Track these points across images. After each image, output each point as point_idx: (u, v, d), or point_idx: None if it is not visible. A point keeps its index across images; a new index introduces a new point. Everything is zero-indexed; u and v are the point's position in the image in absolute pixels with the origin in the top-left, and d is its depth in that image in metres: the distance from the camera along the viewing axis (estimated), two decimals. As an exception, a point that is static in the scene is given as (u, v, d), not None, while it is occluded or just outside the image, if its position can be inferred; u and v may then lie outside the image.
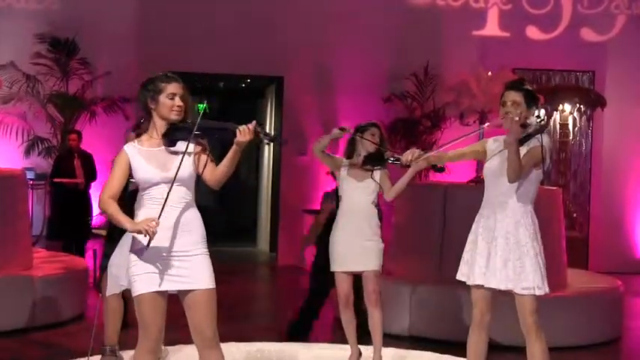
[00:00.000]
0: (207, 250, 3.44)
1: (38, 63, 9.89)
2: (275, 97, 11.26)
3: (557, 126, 10.83)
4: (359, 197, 4.84)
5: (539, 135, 3.80)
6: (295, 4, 10.50)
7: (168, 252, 3.34)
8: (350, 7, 10.52)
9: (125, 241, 4.67)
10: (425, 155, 4.01)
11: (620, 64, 10.78)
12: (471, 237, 4.03)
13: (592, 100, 10.34)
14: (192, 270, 3.36)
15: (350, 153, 4.92)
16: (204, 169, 3.41)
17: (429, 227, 6.44)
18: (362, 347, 5.11)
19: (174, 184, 3.32)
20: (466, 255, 4.03)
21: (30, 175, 9.47)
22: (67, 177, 8.88)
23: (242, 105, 12.80)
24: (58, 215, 9.21)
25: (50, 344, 5.66)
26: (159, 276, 3.33)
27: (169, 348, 5.06)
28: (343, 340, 5.75)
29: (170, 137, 3.38)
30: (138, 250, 3.36)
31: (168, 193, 3.29)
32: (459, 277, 4.06)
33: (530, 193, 3.93)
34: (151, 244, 3.27)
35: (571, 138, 10.83)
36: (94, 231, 5.56)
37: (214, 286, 3.40)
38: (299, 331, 5.96)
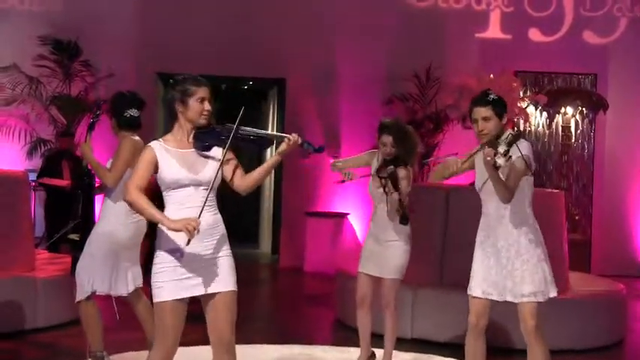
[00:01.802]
0: (230, 252, 3.47)
1: (41, 65, 9.90)
2: (277, 99, 11.27)
3: (560, 129, 10.84)
4: (381, 203, 4.80)
5: (516, 145, 3.69)
6: (297, 7, 10.50)
7: (195, 256, 3.34)
8: (352, 9, 10.53)
9: (87, 248, 4.62)
10: (462, 161, 3.96)
11: (622, 66, 10.77)
12: (475, 250, 4.00)
13: (594, 103, 10.33)
14: (217, 272, 3.38)
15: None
16: (233, 174, 3.44)
17: (431, 230, 6.44)
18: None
19: (202, 188, 3.34)
20: (475, 268, 3.99)
21: (32, 176, 9.46)
22: (55, 178, 8.90)
23: (244, 107, 12.76)
24: (47, 216, 9.23)
25: (52, 345, 5.67)
26: (184, 282, 3.34)
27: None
28: (343, 342, 5.76)
29: (202, 141, 3.38)
30: (166, 254, 3.35)
31: (207, 197, 3.32)
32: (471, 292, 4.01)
33: (526, 199, 3.91)
34: (176, 250, 3.30)
35: (573, 141, 10.82)
36: (68, 236, 5.52)
37: (236, 289, 3.43)
38: None
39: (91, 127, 4.69)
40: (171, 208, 3.37)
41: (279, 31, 10.41)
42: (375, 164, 4.87)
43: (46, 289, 6.08)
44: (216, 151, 3.40)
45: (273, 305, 8.27)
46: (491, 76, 9.72)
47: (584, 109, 10.67)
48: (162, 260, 3.36)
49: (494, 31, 10.83)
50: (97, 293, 4.62)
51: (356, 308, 4.97)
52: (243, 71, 10.66)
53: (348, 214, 10.27)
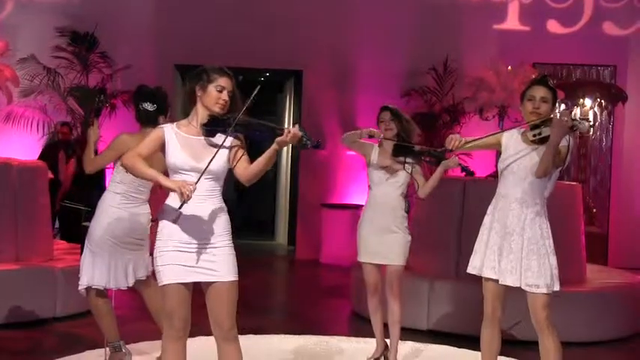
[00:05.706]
0: (231, 242, 3.45)
1: (59, 56, 9.96)
2: (294, 91, 11.28)
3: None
4: (388, 190, 4.85)
5: (568, 136, 3.82)
6: (314, -2, 10.50)
7: (192, 243, 3.37)
8: (369, 1, 10.50)
9: (87, 242, 4.55)
10: (466, 140, 3.97)
11: (642, 58, 10.68)
12: (483, 230, 4.03)
13: (613, 95, 10.25)
14: (216, 262, 3.38)
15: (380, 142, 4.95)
16: (237, 163, 3.42)
17: (448, 222, 6.44)
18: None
19: (205, 177, 3.34)
20: (478, 248, 4.03)
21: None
22: (51, 169, 8.93)
23: (261, 98, 12.80)
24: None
25: (71, 334, 5.72)
26: (183, 268, 3.36)
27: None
28: (360, 334, 5.77)
29: (209, 128, 3.38)
30: (166, 239, 3.37)
31: (203, 170, 3.30)
32: (470, 270, 4.04)
33: (548, 191, 3.96)
34: (176, 234, 3.33)
35: (591, 133, 10.75)
36: (83, 224, 5.40)
37: (236, 279, 3.42)
38: None
39: (97, 113, 4.68)
40: (172, 195, 3.38)
41: (297, 23, 10.40)
42: (373, 155, 4.89)
43: (65, 279, 6.12)
44: (221, 139, 3.37)
45: (290, 296, 8.30)
46: (509, 67, 9.67)
47: (602, 101, 10.59)
48: (163, 245, 3.39)
49: (512, 22, 10.77)
50: (95, 287, 4.57)
51: (374, 297, 4.96)
52: (261, 63, 10.67)
53: (363, 205, 10.26)
